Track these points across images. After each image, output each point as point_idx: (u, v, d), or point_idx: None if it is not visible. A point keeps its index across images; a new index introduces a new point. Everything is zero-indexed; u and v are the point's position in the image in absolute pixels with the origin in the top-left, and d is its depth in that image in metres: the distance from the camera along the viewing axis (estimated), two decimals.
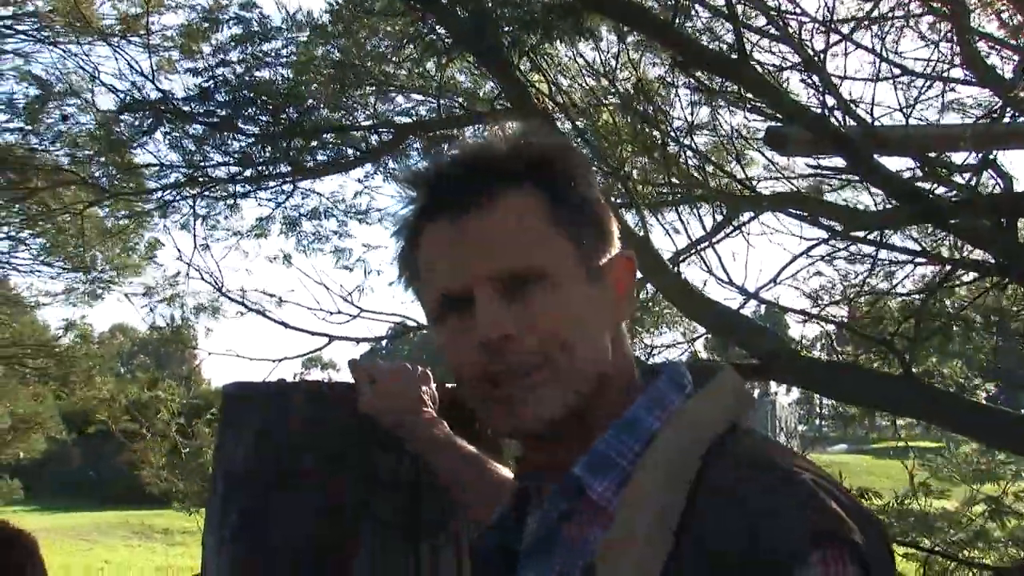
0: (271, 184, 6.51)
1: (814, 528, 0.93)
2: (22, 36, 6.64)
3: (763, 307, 6.32)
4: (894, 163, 4.99)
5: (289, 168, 6.28)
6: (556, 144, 1.19)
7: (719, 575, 0.94)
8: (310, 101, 5.99)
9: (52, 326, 10.09)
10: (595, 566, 1.02)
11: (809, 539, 0.92)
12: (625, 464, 1.09)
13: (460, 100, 6.28)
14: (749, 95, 4.87)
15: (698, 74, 4.96)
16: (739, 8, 4.33)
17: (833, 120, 4.33)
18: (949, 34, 4.86)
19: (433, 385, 1.76)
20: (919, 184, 4.72)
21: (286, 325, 6.19)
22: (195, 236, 6.56)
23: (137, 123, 5.99)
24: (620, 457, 1.09)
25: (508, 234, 1.11)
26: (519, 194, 1.12)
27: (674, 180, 4.98)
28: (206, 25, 6.03)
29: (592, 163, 1.18)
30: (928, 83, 5.01)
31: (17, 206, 7.06)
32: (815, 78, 4.58)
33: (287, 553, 1.67)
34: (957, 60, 4.91)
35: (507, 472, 1.62)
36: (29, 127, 6.40)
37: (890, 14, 5.02)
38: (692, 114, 5.25)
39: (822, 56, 4.61)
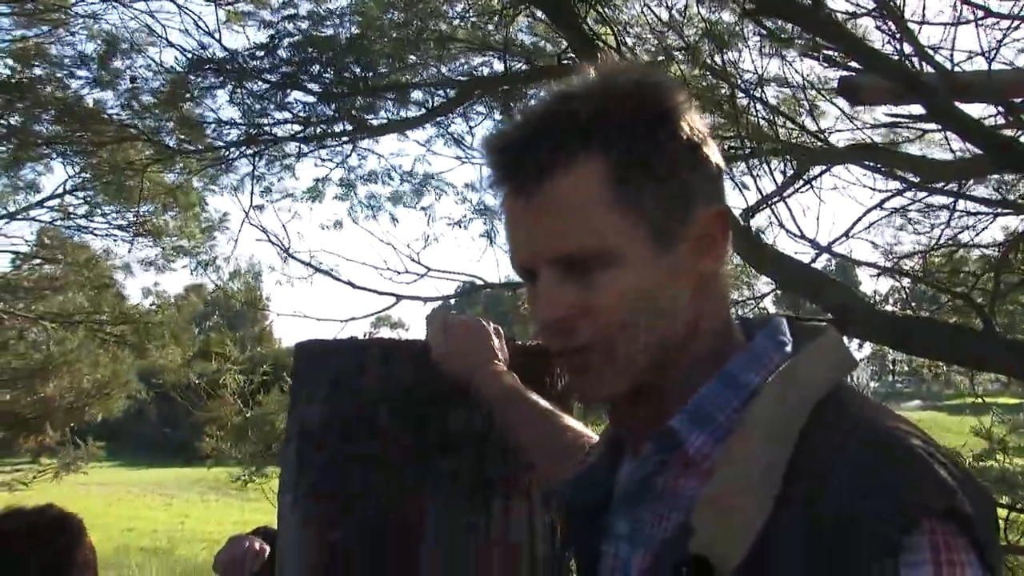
0: (332, 143, 6.48)
1: (924, 498, 0.89)
2: None
3: (833, 262, 6.13)
4: (975, 110, 4.79)
5: (352, 127, 6.22)
6: (627, 93, 1.09)
7: (820, 539, 0.90)
8: (371, 58, 5.90)
9: (128, 291, 10.27)
10: (692, 520, 0.99)
11: (919, 509, 0.89)
12: (723, 419, 1.06)
13: (527, 52, 6.13)
14: (822, 42, 4.69)
15: (769, 23, 4.80)
16: None
17: (910, 67, 4.15)
18: None
19: (504, 341, 1.74)
20: (1003, 131, 4.53)
21: (353, 285, 6.18)
22: (252, 195, 6.60)
23: (202, 80, 5.98)
24: (718, 411, 1.07)
25: (562, 216, 1.07)
26: (575, 167, 1.06)
27: (743, 134, 4.81)
28: None
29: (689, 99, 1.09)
30: (1014, 24, 4.75)
31: (89, 169, 7.14)
32: (891, 23, 4.40)
33: (359, 509, 1.67)
34: None
35: (579, 427, 1.59)
36: (98, 87, 6.44)
37: None
38: (762, 65, 5.08)
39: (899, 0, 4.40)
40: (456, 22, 6.07)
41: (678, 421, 1.07)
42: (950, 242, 5.85)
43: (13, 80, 6.84)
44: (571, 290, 1.08)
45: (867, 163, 5.09)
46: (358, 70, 5.91)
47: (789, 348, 1.11)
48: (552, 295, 1.08)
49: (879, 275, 5.81)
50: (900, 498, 0.89)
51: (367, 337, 1.91)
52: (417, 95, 6.34)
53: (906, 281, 5.93)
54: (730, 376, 1.09)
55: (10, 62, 7.04)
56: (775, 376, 1.06)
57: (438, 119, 6.52)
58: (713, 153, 1.12)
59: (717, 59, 4.80)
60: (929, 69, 4.24)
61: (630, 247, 1.06)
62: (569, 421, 1.60)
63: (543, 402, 1.61)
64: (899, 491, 0.89)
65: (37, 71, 6.98)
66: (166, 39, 6.39)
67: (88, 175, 7.64)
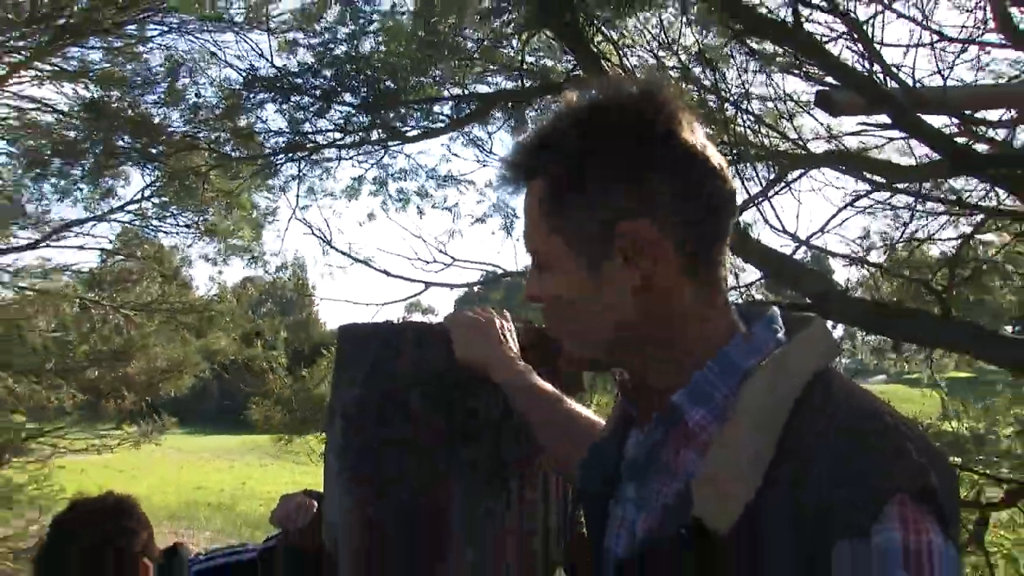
0: (367, 149, 6.42)
1: (896, 481, 0.90)
2: (164, 28, 6.80)
3: (809, 254, 6.04)
4: (933, 121, 4.69)
5: (385, 135, 6.17)
6: (581, 121, 1.08)
7: (803, 523, 0.91)
8: (401, 74, 5.84)
9: (196, 282, 10.35)
10: (691, 491, 1.00)
11: (892, 485, 0.89)
12: (720, 397, 1.05)
13: (539, 71, 6.05)
14: (801, 60, 4.61)
15: (753, 43, 4.71)
16: None
17: (878, 82, 4.05)
18: (983, 1, 4.56)
19: (511, 326, 1.67)
20: (958, 139, 4.45)
21: (388, 273, 6.10)
22: (297, 196, 6.59)
23: (253, 96, 5.95)
24: (715, 390, 1.06)
25: (526, 221, 1.15)
26: (531, 186, 1.13)
27: (731, 141, 4.71)
28: (316, 7, 5.95)
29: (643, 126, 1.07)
30: (963, 47, 4.66)
31: (161, 177, 7.19)
32: (861, 45, 4.31)
33: (394, 493, 1.58)
34: (991, 24, 4.61)
35: (584, 410, 1.57)
36: (167, 107, 6.47)
37: None
38: (748, 80, 5.00)
39: (867, 25, 4.30)
40: (469, 44, 5.99)
41: (680, 397, 1.07)
42: (912, 238, 5.77)
43: (98, 102, 6.89)
44: (537, 279, 1.15)
45: (840, 167, 4.98)
46: (391, 84, 5.85)
47: (781, 335, 1.10)
48: (529, 279, 1.18)
49: (850, 265, 5.80)
50: (872, 486, 0.89)
51: (401, 321, 1.82)
52: (443, 107, 6.28)
53: (874, 271, 5.83)
54: (728, 360, 1.07)
55: (93, 87, 7.10)
56: (768, 362, 1.05)
57: (460, 129, 6.44)
58: (669, 165, 1.05)
59: (709, 75, 4.71)
60: (894, 85, 4.13)
61: (558, 258, 1.10)
62: (575, 405, 1.57)
63: (551, 388, 1.56)
64: (871, 479, 0.89)
65: (115, 93, 7.02)
66: (225, 61, 6.44)
67: (161, 183, 7.68)
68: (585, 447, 1.33)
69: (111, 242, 9.05)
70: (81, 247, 8.42)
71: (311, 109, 5.92)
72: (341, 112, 6.03)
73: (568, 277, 1.10)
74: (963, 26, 4.78)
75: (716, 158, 1.08)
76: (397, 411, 1.59)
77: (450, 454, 1.57)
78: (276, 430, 7.88)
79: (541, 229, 1.11)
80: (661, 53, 5.07)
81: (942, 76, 4.56)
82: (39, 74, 7.06)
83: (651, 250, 1.05)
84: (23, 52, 6.76)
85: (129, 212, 8.60)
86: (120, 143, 6.89)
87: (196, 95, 6.43)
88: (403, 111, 6.04)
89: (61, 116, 7.14)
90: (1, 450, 7.37)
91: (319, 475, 1.77)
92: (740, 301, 1.27)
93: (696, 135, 1.07)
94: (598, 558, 1.19)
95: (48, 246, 7.96)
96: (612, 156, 1.06)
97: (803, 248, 4.89)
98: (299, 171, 6.49)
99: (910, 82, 4.26)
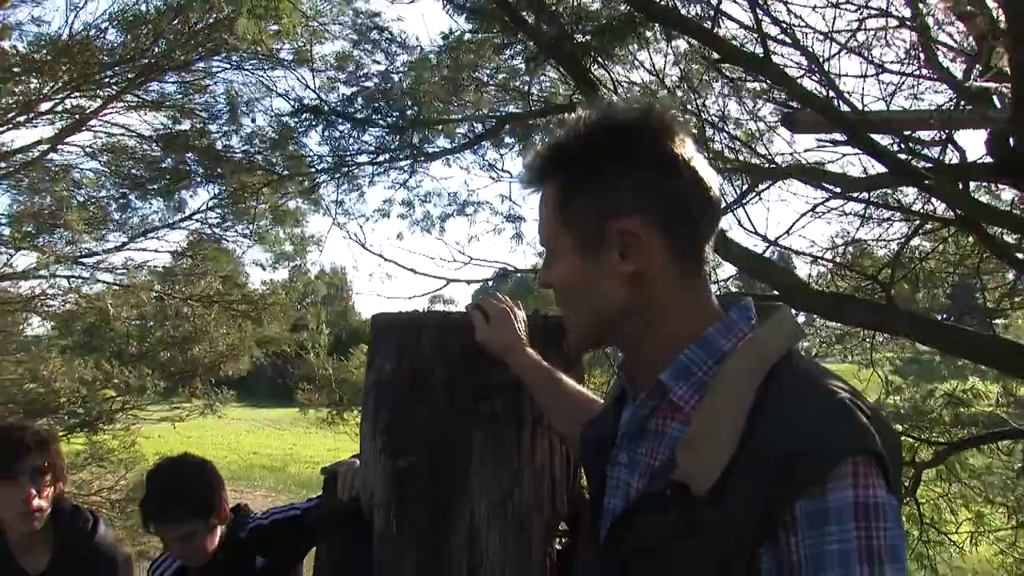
0: (396, 168, 6.48)
1: (849, 440, 0.92)
2: (227, 66, 6.90)
3: (776, 253, 6.07)
4: (880, 140, 4.74)
5: (411, 153, 6.21)
6: (586, 133, 1.11)
7: (769, 469, 0.92)
8: (424, 102, 5.89)
9: (251, 279, 10.41)
10: (676, 455, 1.01)
11: (845, 449, 0.91)
12: (700, 374, 1.06)
13: (544, 97, 6.09)
14: (768, 87, 4.66)
15: (729, 72, 4.76)
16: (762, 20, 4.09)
17: (834, 106, 4.11)
18: (916, 44, 4.74)
19: (524, 315, 1.70)
20: (899, 155, 4.51)
21: (414, 271, 6.13)
22: (336, 213, 6.64)
23: (302, 122, 6.01)
24: (697, 368, 1.06)
25: (540, 218, 1.16)
26: (545, 188, 1.14)
27: (710, 157, 4.76)
28: (352, 50, 6.00)
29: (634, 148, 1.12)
30: (902, 79, 4.77)
31: (222, 193, 7.30)
32: (819, 75, 4.37)
33: (424, 440, 1.63)
34: (923, 61, 4.78)
35: (585, 391, 1.60)
36: (227, 136, 6.56)
37: (875, 28, 4.79)
38: (724, 105, 5.05)
39: (825, 59, 4.36)
40: (486, 78, 6.04)
41: (666, 375, 1.07)
42: (862, 239, 5.83)
43: (171, 129, 6.99)
44: (549, 269, 1.16)
45: (802, 179, 5.02)
46: (417, 109, 5.89)
47: (754, 322, 1.10)
48: (542, 269, 1.20)
49: (812, 263, 5.86)
50: (831, 455, 0.90)
51: (425, 311, 1.88)
52: (460, 129, 6.30)
53: (831, 266, 5.89)
54: (708, 342, 1.07)
55: (168, 115, 7.19)
56: (743, 344, 1.05)
57: (475, 147, 6.45)
58: (660, 175, 1.07)
59: (692, 100, 4.76)
60: (847, 108, 4.19)
61: (564, 250, 1.12)
62: (578, 387, 1.60)
63: (559, 373, 1.59)
64: (831, 449, 0.91)
65: (186, 121, 7.12)
66: (276, 93, 6.52)
67: (221, 198, 7.78)
68: (583, 421, 1.35)
69: (181, 245, 9.18)
70: (157, 250, 8.54)
71: (350, 134, 5.98)
72: (374, 135, 6.08)
73: (573, 268, 1.11)
74: (902, 62, 4.89)
75: (704, 170, 1.09)
76: (423, 381, 1.63)
77: (470, 411, 1.61)
78: (319, 407, 7.97)
79: (552, 227, 1.13)
80: (649, 80, 5.11)
81: (885, 102, 4.64)
82: (126, 104, 7.15)
83: (643, 248, 1.07)
84: (114, 87, 6.87)
85: (195, 221, 8.69)
86: (189, 165, 6.97)
87: (251, 120, 6.51)
88: (425, 133, 6.08)
89: (142, 140, 7.25)
90: (95, 420, 7.53)
91: (355, 442, 1.81)
92: (719, 293, 1.31)
93: (687, 151, 1.08)
94: (597, 517, 1.19)
95: (131, 248, 8.09)
96: (612, 169, 1.08)
97: (772, 248, 4.95)
98: (338, 190, 6.54)
99: (860, 106, 4.32)
